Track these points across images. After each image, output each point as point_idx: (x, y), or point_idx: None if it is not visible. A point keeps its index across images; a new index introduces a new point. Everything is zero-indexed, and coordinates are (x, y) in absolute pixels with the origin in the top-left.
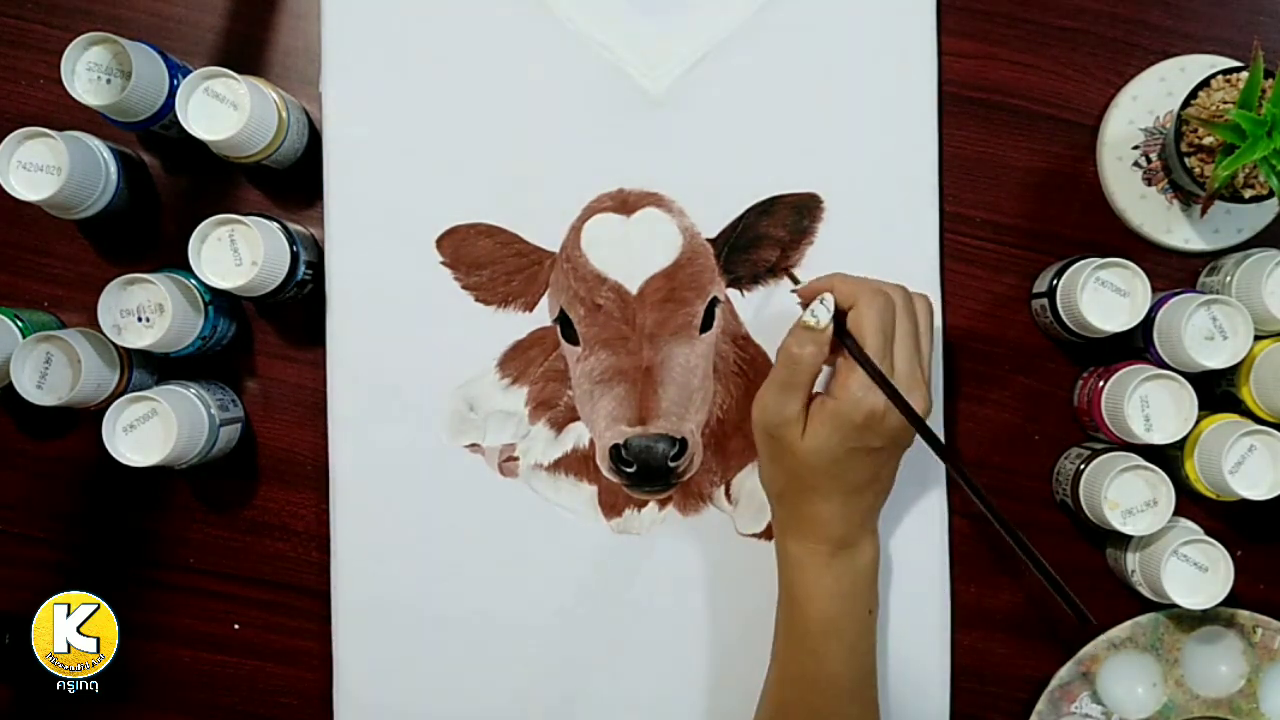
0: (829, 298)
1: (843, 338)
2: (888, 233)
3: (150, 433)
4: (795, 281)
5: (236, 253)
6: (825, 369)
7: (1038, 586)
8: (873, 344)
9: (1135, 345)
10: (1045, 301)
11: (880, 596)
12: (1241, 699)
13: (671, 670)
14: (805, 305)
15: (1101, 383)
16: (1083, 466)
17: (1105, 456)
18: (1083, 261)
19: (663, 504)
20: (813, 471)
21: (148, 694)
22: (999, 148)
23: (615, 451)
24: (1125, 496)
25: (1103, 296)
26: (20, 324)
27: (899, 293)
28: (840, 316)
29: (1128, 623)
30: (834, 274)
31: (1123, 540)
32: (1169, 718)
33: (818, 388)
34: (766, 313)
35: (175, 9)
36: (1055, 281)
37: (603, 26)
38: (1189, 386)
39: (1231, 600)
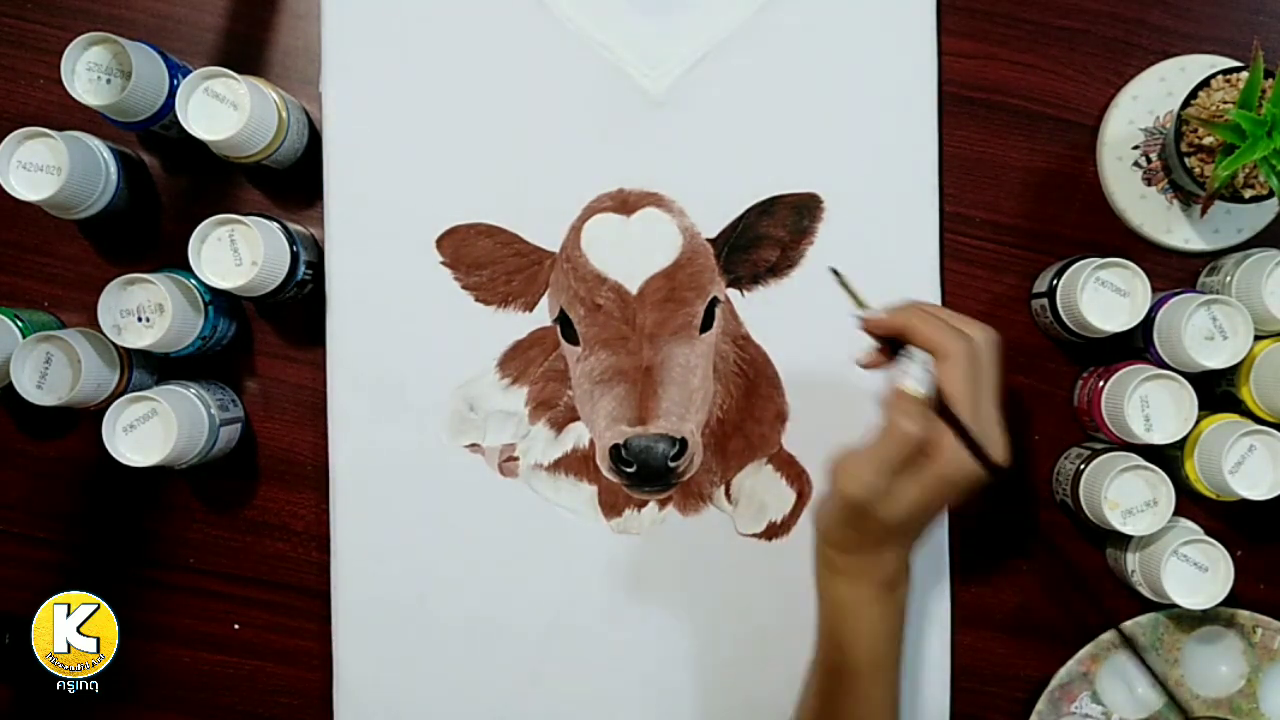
0: (928, 358)
1: (939, 401)
2: (888, 233)
3: (150, 433)
4: (845, 287)
5: (236, 253)
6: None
7: (1039, 588)
8: (965, 405)
9: (1135, 345)
10: (1045, 301)
11: None
12: (1241, 699)
13: (670, 669)
14: (871, 335)
15: (1101, 383)
16: (1083, 466)
17: (1105, 456)
18: (1083, 261)
19: (663, 504)
20: (891, 530)
21: (148, 694)
22: (999, 148)
23: (615, 451)
24: (1125, 497)
25: (1103, 296)
26: (20, 324)
27: (981, 335)
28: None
29: (1128, 623)
30: (908, 307)
31: (1123, 540)
32: (1169, 718)
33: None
34: (767, 313)
35: (175, 9)
36: (1055, 282)
37: (603, 26)
38: (1189, 386)
39: (1231, 600)
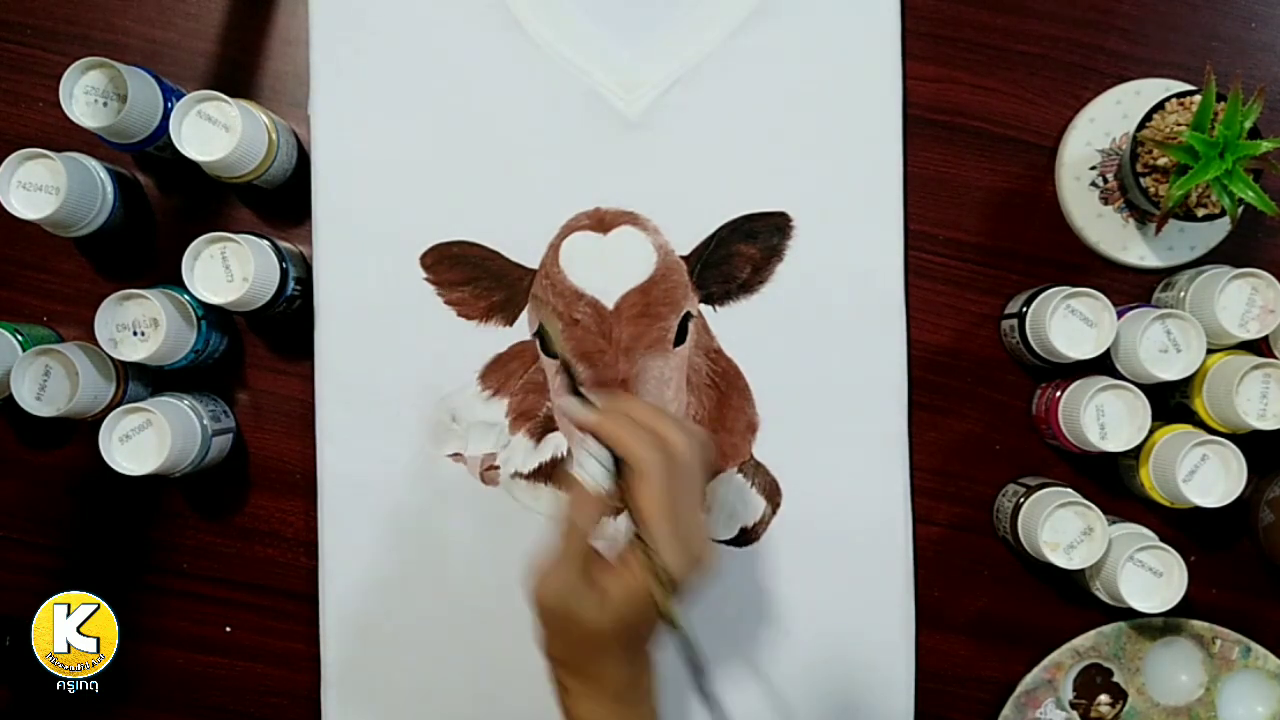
0: (606, 455)
1: (628, 503)
2: (854, 250)
3: (145, 443)
4: (572, 383)
5: (228, 269)
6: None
7: (1001, 592)
8: (657, 521)
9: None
10: (1015, 323)
11: (844, 601)
12: (1200, 707)
13: None
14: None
15: (1058, 392)
16: (1022, 500)
17: (1037, 496)
18: (1055, 289)
19: None
20: (605, 638)
21: (142, 694)
22: (961, 168)
23: None
24: (1061, 534)
25: (1071, 325)
26: (20, 338)
27: (683, 440)
28: (619, 463)
29: (1092, 632)
30: (609, 412)
31: None
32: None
33: None
34: (738, 327)
35: (170, 34)
36: (1025, 308)
37: (581, 52)
38: (1143, 397)
39: (1185, 605)
